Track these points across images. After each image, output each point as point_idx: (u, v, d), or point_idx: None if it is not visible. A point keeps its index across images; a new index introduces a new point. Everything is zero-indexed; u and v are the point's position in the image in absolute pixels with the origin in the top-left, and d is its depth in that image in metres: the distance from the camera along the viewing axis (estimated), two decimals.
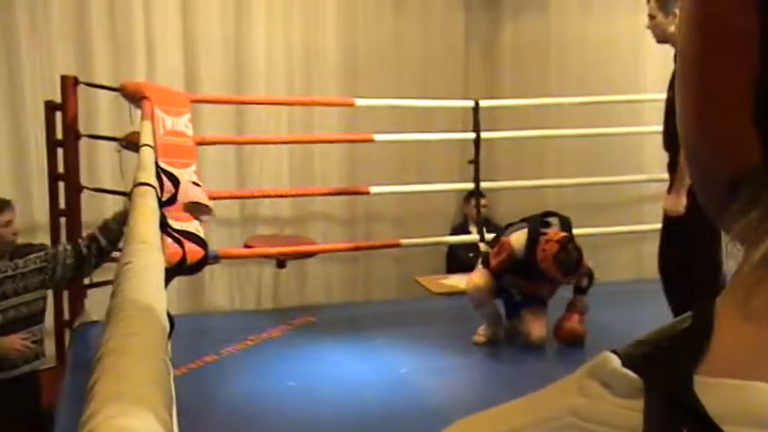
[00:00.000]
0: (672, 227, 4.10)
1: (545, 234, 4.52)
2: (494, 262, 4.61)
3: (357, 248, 6.39)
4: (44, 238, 5.37)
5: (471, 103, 6.06)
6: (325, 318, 5.65)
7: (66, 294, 5.23)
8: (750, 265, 0.38)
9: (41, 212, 5.59)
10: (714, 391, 0.35)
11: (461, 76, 7.29)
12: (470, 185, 6.14)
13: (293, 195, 6.26)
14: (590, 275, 4.74)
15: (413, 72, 6.98)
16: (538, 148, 6.83)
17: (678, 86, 0.43)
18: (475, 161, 6.07)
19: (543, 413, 0.41)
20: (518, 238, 4.57)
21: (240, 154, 6.47)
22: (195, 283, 6.27)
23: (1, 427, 3.99)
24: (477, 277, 4.68)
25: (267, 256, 5.84)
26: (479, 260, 4.82)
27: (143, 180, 2.08)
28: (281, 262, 5.92)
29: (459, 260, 6.77)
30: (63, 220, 5.19)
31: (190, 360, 4.57)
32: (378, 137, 5.92)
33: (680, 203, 3.90)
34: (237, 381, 4.48)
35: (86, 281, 5.14)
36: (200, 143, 5.44)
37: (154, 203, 1.94)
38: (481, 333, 4.73)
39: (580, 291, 4.72)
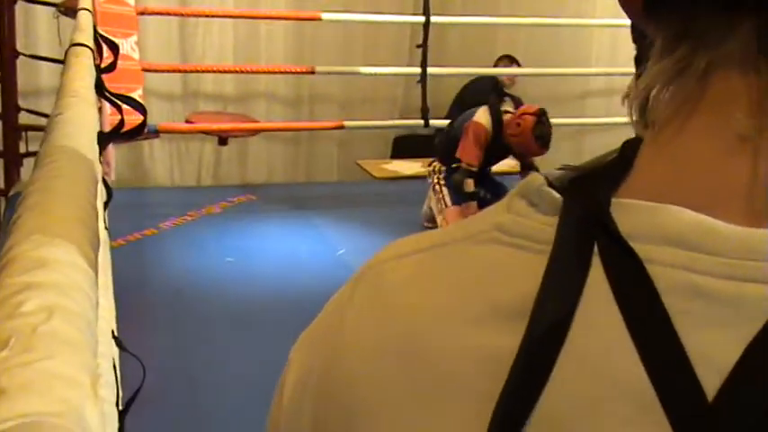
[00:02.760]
0: None
1: (507, 112, 4.48)
2: (470, 153, 4.49)
3: (300, 129, 6.35)
4: None
5: None
6: (265, 197, 5.65)
7: (1, 163, 5.12)
8: (664, 94, 0.39)
9: None
10: (627, 211, 0.37)
11: None
12: (417, 70, 6.08)
13: (237, 72, 6.15)
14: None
15: None
16: (488, 35, 6.78)
17: None
18: (423, 45, 6.00)
19: (470, 230, 0.42)
20: (484, 116, 4.46)
21: (183, 27, 6.31)
22: (135, 157, 6.19)
23: None
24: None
25: (208, 133, 5.77)
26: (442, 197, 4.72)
27: (80, 41, 2.01)
28: (222, 139, 5.86)
29: (403, 148, 6.78)
30: None
31: (128, 233, 4.56)
32: (325, 15, 5.81)
33: None
34: (175, 255, 4.48)
35: (22, 149, 5.03)
36: (142, 13, 5.28)
37: (90, 63, 1.88)
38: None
39: (530, 167, 4.74)
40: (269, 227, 5.00)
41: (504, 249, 0.40)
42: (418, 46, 6.02)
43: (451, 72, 6.39)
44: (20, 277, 0.56)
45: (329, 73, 6.06)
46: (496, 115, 4.43)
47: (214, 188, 6.24)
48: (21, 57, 4.97)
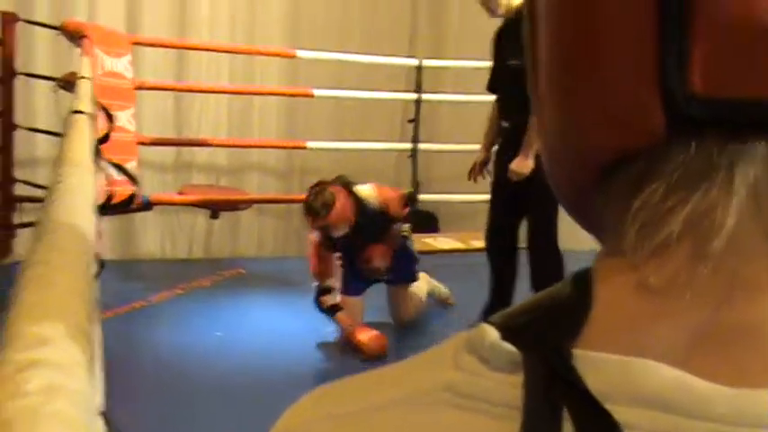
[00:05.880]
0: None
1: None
2: (312, 267, 4.43)
3: (292, 201, 6.38)
4: None
5: (415, 62, 6.05)
6: (255, 270, 5.65)
7: None
8: (652, 240, 0.36)
9: None
10: (596, 366, 0.34)
11: (407, 34, 7.26)
12: (408, 146, 6.16)
13: (230, 146, 6.21)
14: (412, 198, 4.84)
15: (357, 27, 6.93)
16: (480, 111, 6.86)
17: (547, 57, 0.40)
18: (415, 121, 6.08)
19: (415, 387, 0.38)
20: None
21: (179, 100, 6.38)
22: (126, 229, 6.19)
23: None
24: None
25: (200, 205, 5.80)
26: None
27: (79, 108, 2.04)
28: (214, 213, 5.88)
29: None
30: None
31: (118, 305, 4.54)
32: (317, 92, 5.89)
33: (528, 165, 4.04)
34: (165, 328, 4.47)
35: (16, 220, 5.05)
36: (140, 88, 5.35)
37: (89, 131, 1.91)
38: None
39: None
40: (258, 301, 4.99)
41: (458, 415, 0.36)
42: (410, 121, 6.11)
43: (443, 148, 6.46)
44: (22, 354, 0.57)
45: (321, 149, 6.12)
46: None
47: (204, 261, 6.24)
48: (19, 129, 5.04)
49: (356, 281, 4.47)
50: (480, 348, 0.36)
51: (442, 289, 4.89)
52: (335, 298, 4.35)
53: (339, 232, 4.29)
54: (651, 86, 0.35)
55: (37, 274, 0.76)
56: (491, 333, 0.36)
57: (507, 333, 0.36)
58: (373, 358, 4.06)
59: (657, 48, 0.35)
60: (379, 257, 4.43)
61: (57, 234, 0.91)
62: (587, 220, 0.43)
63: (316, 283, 4.40)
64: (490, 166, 4.53)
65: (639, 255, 0.36)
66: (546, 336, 0.35)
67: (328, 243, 4.35)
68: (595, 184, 0.39)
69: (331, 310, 4.34)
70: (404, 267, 4.57)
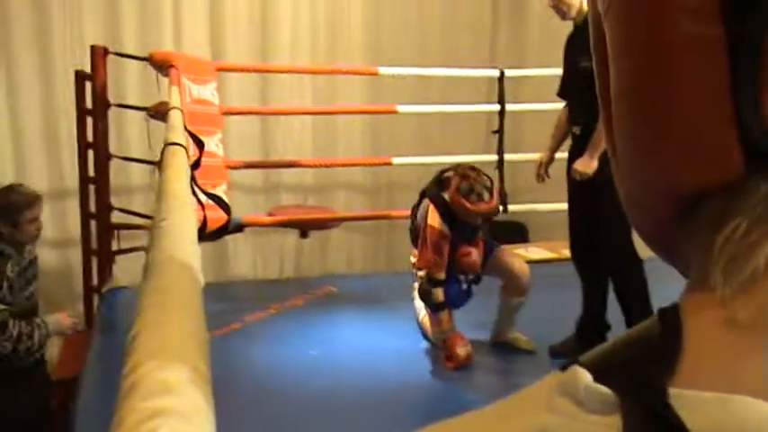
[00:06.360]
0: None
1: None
2: (430, 261, 4.16)
3: (380, 217, 6.41)
4: (74, 204, 5.46)
5: (497, 73, 6.03)
6: (346, 288, 5.68)
7: (94, 260, 5.31)
8: (738, 275, 0.36)
9: (71, 178, 5.66)
10: (692, 405, 0.33)
11: (487, 45, 7.25)
12: (494, 157, 6.12)
13: (317, 166, 6.27)
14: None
15: (437, 41, 6.95)
16: None
17: (621, 89, 0.41)
18: (499, 132, 6.05)
19: (510, 430, 0.38)
20: (435, 217, 4.13)
21: (264, 123, 6.50)
22: (219, 251, 6.32)
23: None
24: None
25: (290, 225, 5.88)
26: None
27: (174, 140, 2.12)
28: (304, 232, 5.95)
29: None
30: (92, 186, 5.26)
31: (214, 327, 4.60)
32: (401, 108, 5.92)
33: (592, 165, 3.95)
34: (260, 348, 4.52)
35: (114, 247, 5.21)
36: (226, 113, 5.47)
37: (184, 162, 1.98)
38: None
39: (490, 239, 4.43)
40: (351, 319, 5.01)
41: None
42: (494, 132, 6.08)
43: (528, 158, 6.40)
44: (148, 402, 0.60)
45: (406, 164, 6.14)
46: (442, 205, 4.13)
47: (296, 280, 6.32)
48: (113, 158, 5.20)
49: (454, 288, 4.29)
50: (574, 391, 0.36)
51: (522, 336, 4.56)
52: (443, 294, 4.22)
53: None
54: (728, 125, 0.36)
55: (151, 318, 0.79)
56: (584, 375, 0.36)
57: (599, 374, 0.36)
58: (459, 369, 4.10)
59: (732, 87, 0.35)
60: (476, 252, 4.25)
61: (166, 274, 0.94)
62: (670, 255, 0.43)
63: (421, 273, 4.26)
64: (549, 169, 4.58)
65: (727, 290, 0.36)
66: (640, 375, 0.35)
67: (449, 228, 4.13)
68: (676, 220, 0.40)
69: (439, 307, 4.21)
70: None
